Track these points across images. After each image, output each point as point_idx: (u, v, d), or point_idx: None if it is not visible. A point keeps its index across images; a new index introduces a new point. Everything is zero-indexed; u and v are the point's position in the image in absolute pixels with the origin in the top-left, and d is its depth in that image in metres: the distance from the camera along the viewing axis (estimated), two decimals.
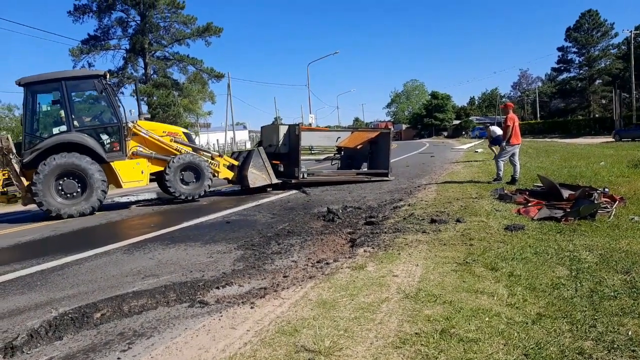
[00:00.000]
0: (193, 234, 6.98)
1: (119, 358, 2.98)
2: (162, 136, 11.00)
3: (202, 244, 6.20)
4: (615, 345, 2.69)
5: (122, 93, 40.95)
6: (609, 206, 6.60)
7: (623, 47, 56.58)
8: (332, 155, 15.18)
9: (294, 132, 12.38)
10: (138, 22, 38.98)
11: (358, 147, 13.81)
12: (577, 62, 61.56)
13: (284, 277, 4.46)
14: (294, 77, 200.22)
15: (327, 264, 4.78)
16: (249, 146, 69.93)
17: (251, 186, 11.49)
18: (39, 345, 3.29)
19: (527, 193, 8.39)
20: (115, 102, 10.32)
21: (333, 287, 3.98)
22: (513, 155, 10.61)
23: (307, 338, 2.97)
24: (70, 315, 3.70)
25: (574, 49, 61.14)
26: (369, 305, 3.49)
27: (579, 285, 3.71)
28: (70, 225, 8.75)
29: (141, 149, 10.62)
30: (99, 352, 3.09)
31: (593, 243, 4.88)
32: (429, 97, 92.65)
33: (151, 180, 10.99)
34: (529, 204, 7.26)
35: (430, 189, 10.28)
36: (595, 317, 3.08)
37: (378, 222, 6.69)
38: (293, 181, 12.18)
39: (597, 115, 59.88)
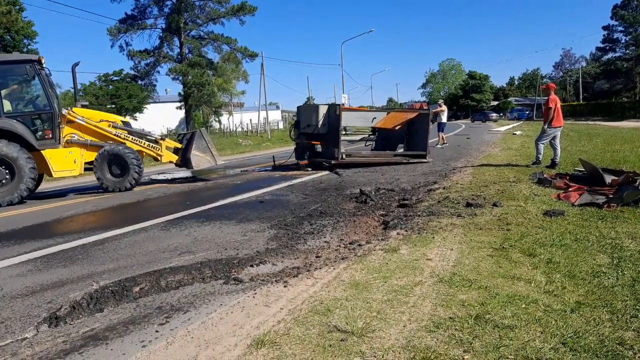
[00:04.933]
0: (227, 213, 7.09)
1: (157, 331, 3.07)
2: (98, 123, 10.62)
3: (237, 223, 6.29)
4: None
5: (159, 72, 41.54)
6: None
7: None
8: (367, 136, 15.00)
9: (334, 112, 12.18)
10: (174, 1, 39.23)
11: (396, 128, 13.54)
12: (623, 41, 58.65)
13: (317, 257, 4.48)
14: (328, 56, 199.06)
15: (360, 245, 4.77)
16: (281, 127, 70.23)
17: (195, 168, 11.37)
18: (81, 316, 3.42)
19: (568, 178, 8.13)
20: (49, 88, 9.85)
21: (366, 268, 3.97)
22: (554, 138, 10.26)
23: (339, 318, 2.98)
24: (110, 289, 3.83)
25: (621, 28, 58.17)
26: (402, 288, 3.47)
27: (620, 273, 3.59)
28: (110, 201, 9.02)
29: (77, 137, 10.25)
30: (138, 325, 3.19)
31: (636, 231, 4.70)
32: (466, 77, 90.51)
33: (87, 169, 10.62)
34: (570, 189, 7.03)
35: (466, 172, 10.09)
36: (637, 307, 2.98)
37: (411, 205, 6.62)
38: (333, 162, 12.08)
39: None
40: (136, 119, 46.16)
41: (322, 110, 12.56)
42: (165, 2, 39.60)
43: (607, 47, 60.82)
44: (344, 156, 12.34)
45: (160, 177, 13.12)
